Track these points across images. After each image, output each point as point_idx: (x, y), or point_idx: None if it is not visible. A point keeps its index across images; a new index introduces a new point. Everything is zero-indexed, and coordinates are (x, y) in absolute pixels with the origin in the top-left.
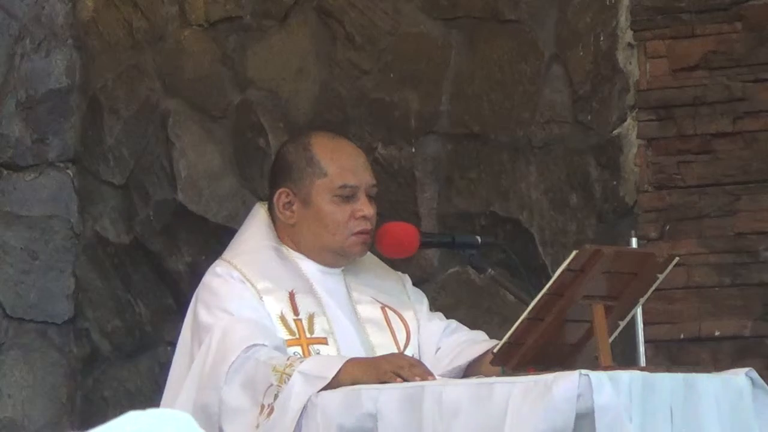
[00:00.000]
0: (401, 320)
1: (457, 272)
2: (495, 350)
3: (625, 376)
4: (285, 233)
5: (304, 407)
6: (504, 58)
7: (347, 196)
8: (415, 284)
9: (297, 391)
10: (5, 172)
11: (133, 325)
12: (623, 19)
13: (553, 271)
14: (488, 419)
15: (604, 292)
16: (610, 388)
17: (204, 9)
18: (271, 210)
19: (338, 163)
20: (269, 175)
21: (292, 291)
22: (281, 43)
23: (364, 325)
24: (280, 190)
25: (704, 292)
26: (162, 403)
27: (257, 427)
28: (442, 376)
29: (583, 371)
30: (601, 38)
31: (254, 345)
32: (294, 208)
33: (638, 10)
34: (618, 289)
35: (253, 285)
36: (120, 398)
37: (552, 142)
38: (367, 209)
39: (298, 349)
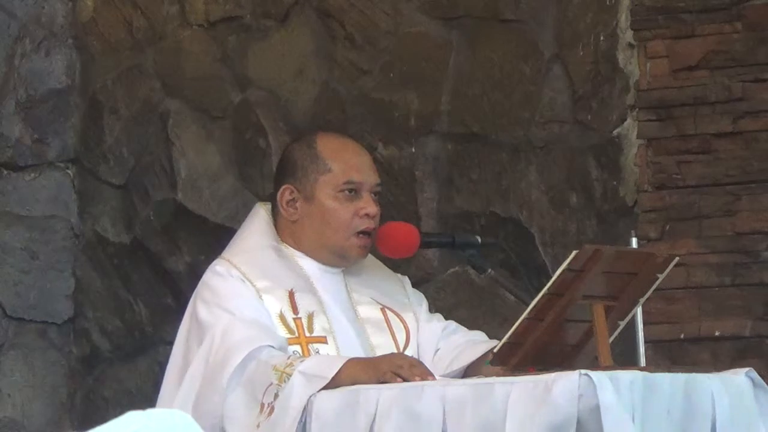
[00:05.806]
0: (401, 321)
1: (457, 272)
2: (495, 350)
3: (625, 376)
4: (286, 231)
5: (305, 407)
6: (504, 58)
7: (351, 192)
8: (414, 284)
9: (297, 390)
10: (5, 172)
11: (133, 325)
12: (623, 19)
13: (553, 271)
14: (488, 419)
15: (604, 292)
16: (611, 389)
17: (204, 9)
18: (273, 209)
19: (343, 160)
20: (274, 174)
21: (291, 290)
22: (281, 43)
23: (363, 325)
24: (284, 186)
25: (704, 292)
26: (158, 402)
27: (258, 426)
28: (442, 377)
29: (583, 371)
30: (601, 38)
31: (258, 347)
32: (297, 205)
33: (638, 10)
34: (618, 289)
35: (252, 284)
36: (120, 398)
37: (552, 142)
38: (371, 207)
39: (298, 347)
